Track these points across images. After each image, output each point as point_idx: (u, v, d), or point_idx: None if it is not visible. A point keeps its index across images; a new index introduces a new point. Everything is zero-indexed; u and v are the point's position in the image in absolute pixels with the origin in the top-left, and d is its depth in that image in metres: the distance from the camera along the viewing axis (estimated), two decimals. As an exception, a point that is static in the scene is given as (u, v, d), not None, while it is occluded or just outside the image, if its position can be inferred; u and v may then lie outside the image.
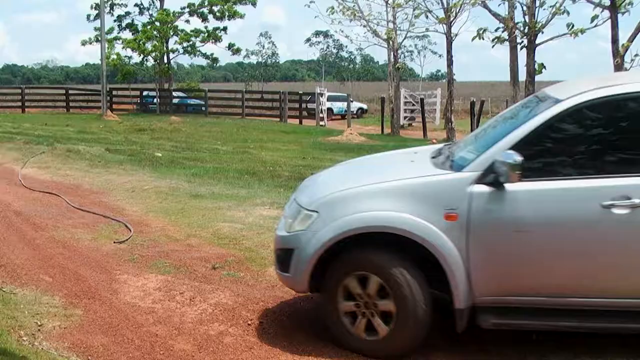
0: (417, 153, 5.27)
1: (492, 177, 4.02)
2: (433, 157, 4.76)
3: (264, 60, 78.27)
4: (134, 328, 4.76)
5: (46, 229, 7.75)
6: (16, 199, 9.69)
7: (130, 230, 7.57)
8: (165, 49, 38.24)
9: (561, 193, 3.99)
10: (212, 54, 40.98)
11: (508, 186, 3.99)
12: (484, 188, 4.04)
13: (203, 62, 44.41)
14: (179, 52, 39.56)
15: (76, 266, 6.24)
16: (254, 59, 76.07)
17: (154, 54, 37.65)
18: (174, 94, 38.19)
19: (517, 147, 4.01)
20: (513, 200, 4.01)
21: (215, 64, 45.74)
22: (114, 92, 37.60)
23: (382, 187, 4.37)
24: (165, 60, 38.88)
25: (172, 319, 4.96)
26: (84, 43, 38.46)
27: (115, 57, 36.95)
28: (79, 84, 78.74)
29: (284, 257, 4.52)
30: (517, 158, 3.88)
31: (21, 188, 10.68)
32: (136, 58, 38.58)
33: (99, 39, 32.34)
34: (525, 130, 4.11)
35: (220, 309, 5.15)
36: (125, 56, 38.15)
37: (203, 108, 35.12)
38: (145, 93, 38.75)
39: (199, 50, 39.68)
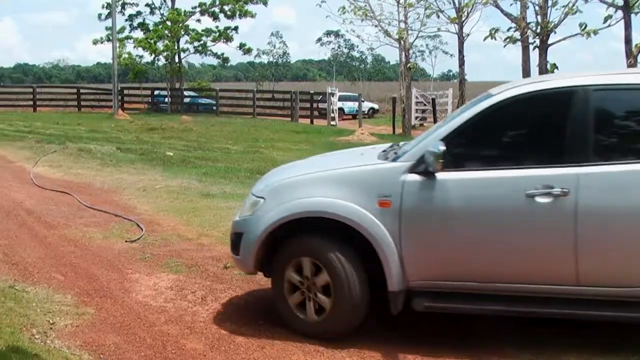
0: (374, 148, 5.40)
1: (423, 166, 4.15)
2: (383, 151, 4.88)
3: (275, 60, 78.38)
4: (146, 327, 4.76)
5: (58, 228, 7.78)
6: (28, 197, 9.73)
7: (142, 229, 7.58)
8: (176, 48, 38.24)
9: (488, 182, 4.13)
10: (223, 54, 40.99)
11: (438, 175, 4.12)
12: (415, 177, 4.20)
13: (214, 61, 44.30)
14: (190, 51, 39.56)
15: (88, 265, 6.26)
16: (265, 59, 76.20)
17: (165, 53, 37.64)
18: (185, 93, 38.36)
19: (448, 138, 4.18)
20: (442, 188, 4.14)
21: (226, 64, 45.70)
22: (126, 92, 37.69)
23: (322, 175, 4.59)
24: (177, 60, 38.87)
25: (184, 318, 4.96)
26: (95, 42, 38.54)
27: (126, 56, 36.94)
28: (90, 83, 79.26)
29: (235, 240, 4.76)
30: (441, 147, 4.03)
31: (33, 187, 10.73)
32: (147, 57, 38.48)
33: (111, 38, 32.47)
34: (456, 123, 4.31)
35: (232, 308, 5.15)
36: (137, 55, 38.12)
37: (214, 107, 35.24)
38: (156, 92, 38.94)
39: (210, 50, 39.65)
